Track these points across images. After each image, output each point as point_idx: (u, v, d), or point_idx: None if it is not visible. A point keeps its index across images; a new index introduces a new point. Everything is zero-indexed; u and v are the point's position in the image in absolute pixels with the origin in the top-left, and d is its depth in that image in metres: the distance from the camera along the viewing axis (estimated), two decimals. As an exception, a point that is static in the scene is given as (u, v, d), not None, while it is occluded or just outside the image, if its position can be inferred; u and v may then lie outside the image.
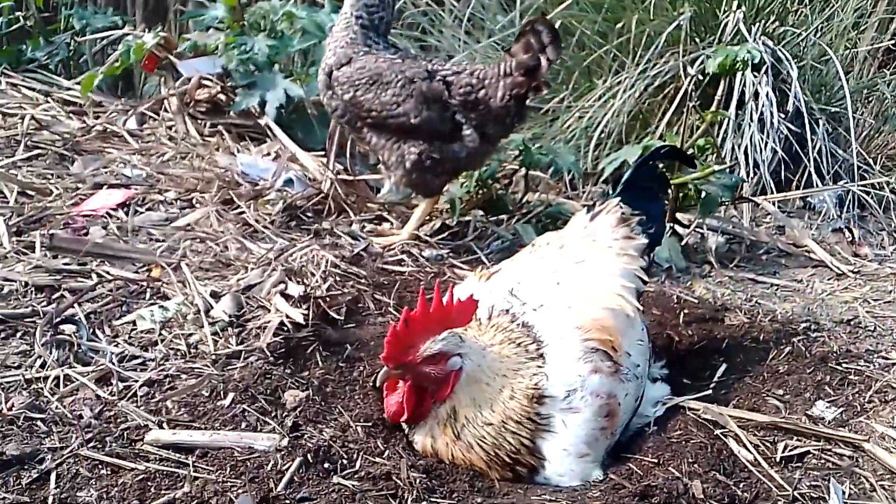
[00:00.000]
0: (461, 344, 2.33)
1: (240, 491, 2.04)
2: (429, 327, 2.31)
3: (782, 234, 4.59)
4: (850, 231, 4.47)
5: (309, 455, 2.19)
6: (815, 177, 4.87)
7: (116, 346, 2.69)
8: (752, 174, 4.81)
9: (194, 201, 3.92)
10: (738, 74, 4.72)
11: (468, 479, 2.28)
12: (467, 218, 4.22)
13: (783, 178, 4.97)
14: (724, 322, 3.43)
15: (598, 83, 5.25)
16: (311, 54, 5.32)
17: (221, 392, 2.44)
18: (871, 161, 5.15)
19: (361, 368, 2.76)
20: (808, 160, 4.85)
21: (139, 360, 2.62)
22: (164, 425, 2.31)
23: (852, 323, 3.48)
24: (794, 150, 4.96)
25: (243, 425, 2.32)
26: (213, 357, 2.63)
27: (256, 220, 3.78)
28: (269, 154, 4.72)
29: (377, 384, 2.37)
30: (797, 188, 4.89)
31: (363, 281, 3.29)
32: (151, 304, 2.91)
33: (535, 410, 2.34)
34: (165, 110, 5.18)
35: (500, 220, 4.26)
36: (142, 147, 4.67)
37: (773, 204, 4.57)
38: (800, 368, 3.00)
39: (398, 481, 2.15)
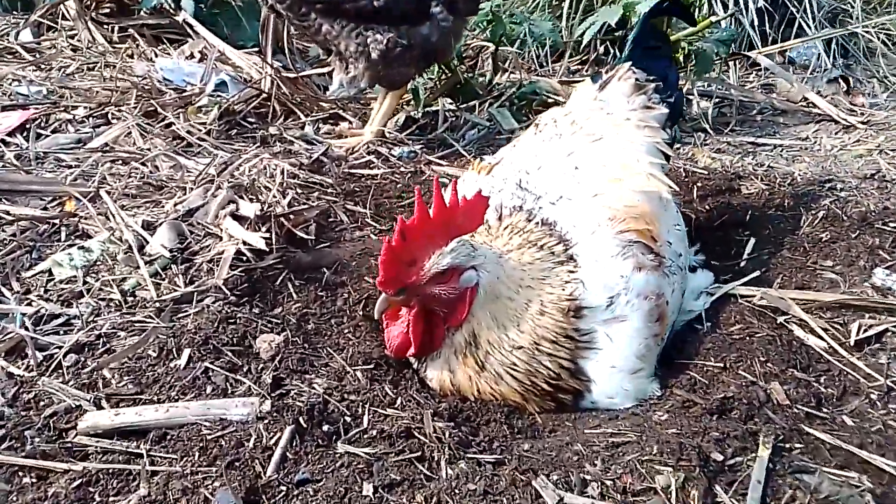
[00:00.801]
0: (474, 254, 1.75)
1: (217, 484, 1.45)
2: (431, 237, 1.71)
3: (771, 92, 4.05)
4: (846, 80, 3.95)
5: (301, 419, 1.60)
6: (803, 29, 4.31)
7: (29, 304, 2.00)
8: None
9: (110, 116, 3.12)
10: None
11: (503, 416, 1.74)
12: (435, 108, 3.54)
13: (759, 34, 4.38)
14: (742, 192, 2.91)
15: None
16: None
17: (174, 349, 1.79)
18: (849, 4, 4.59)
19: (345, 295, 2.15)
20: (798, 10, 4.27)
21: (61, 320, 1.94)
22: (104, 403, 1.67)
23: (877, 177, 2.99)
24: (770, -1, 4.37)
25: (209, 390, 1.70)
26: (158, 305, 1.97)
27: (189, 132, 3.02)
28: (192, 56, 3.88)
29: (375, 315, 1.78)
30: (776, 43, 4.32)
31: (330, 190, 2.63)
32: (69, 246, 2.20)
33: (574, 326, 1.79)
34: (64, 18, 4.23)
35: (471, 106, 3.59)
36: (39, 61, 3.77)
37: (770, 57, 4.00)
38: (842, 233, 2.51)
39: (422, 438, 1.58)
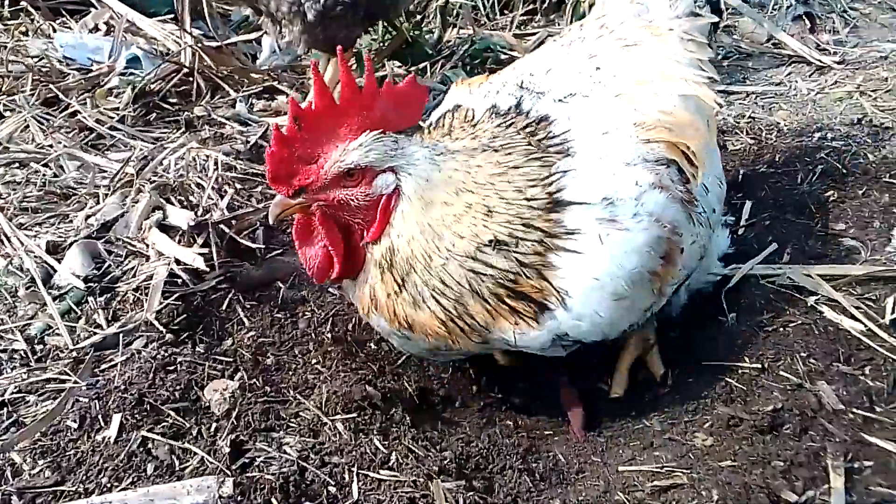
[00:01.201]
0: (394, 153, 1.34)
1: None
2: (335, 129, 1.32)
3: (732, 34, 3.73)
4: (811, 18, 3.65)
5: (273, 499, 1.22)
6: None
7: None
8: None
9: (1, 108, 2.56)
10: None
11: (518, 460, 1.41)
12: (382, 73, 3.08)
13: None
14: (728, 148, 2.60)
15: None
16: None
17: (100, 416, 1.37)
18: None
19: (308, 314, 1.75)
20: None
21: (-52, 386, 1.49)
22: (14, 502, 1.25)
23: (864, 122, 2.72)
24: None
25: (150, 470, 1.29)
26: (74, 354, 1.53)
27: (98, 121, 2.50)
28: (97, 28, 3.29)
29: (270, 221, 1.39)
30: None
31: (275, 181, 2.18)
32: (-45, 283, 1.72)
33: (552, 219, 1.37)
34: (-61, -9, 3.54)
35: (421, 69, 3.15)
36: (-88, 45, 3.12)
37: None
38: (847, 191, 2.24)
39: (431, 510, 1.23)
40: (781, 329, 1.68)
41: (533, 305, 1.37)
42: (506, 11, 3.84)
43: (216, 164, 2.18)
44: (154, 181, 2.07)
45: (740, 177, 2.42)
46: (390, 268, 1.34)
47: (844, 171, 2.33)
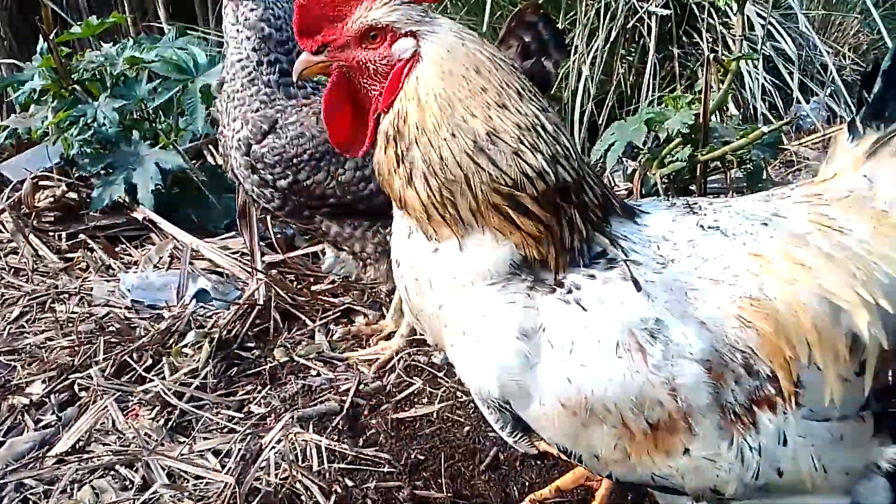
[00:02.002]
0: (419, 16, 1.25)
1: None
2: None
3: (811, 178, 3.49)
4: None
5: None
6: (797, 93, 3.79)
7: None
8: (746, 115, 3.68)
9: (76, 388, 2.30)
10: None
11: None
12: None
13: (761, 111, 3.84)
14: None
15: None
16: (176, 104, 3.60)
17: None
18: (843, 55, 4.11)
19: None
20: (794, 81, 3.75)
21: None
22: None
23: None
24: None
25: None
26: None
27: (178, 393, 2.22)
28: (160, 258, 3.10)
29: (294, 78, 1.34)
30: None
31: (386, 468, 1.85)
32: None
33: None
34: (1, 230, 3.40)
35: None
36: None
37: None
38: None
39: None
40: None
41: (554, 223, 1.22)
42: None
43: (319, 452, 1.88)
44: (257, 487, 1.76)
45: None
46: (395, 137, 1.23)
47: None
